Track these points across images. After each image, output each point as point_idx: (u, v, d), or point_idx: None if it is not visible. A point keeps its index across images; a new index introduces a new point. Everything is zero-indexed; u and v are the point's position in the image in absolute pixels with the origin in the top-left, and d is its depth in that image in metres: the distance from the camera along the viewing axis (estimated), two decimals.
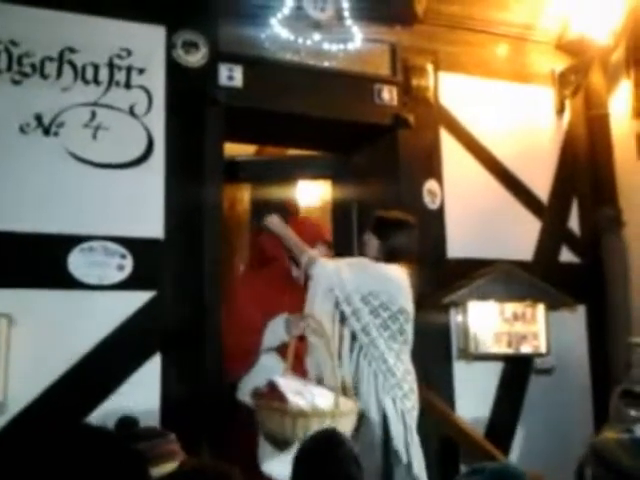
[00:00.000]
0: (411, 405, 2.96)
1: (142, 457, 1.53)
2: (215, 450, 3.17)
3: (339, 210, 4.68)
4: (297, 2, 3.86)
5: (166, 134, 3.70)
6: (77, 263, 3.42)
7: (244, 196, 4.72)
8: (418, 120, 4.26)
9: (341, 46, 3.98)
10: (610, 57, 4.66)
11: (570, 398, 4.38)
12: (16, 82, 3.48)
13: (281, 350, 2.95)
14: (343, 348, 2.94)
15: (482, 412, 4.18)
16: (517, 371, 4.33)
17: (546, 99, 4.74)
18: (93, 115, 3.57)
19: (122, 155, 3.61)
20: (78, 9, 3.61)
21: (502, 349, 4.22)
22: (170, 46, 3.78)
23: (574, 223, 4.69)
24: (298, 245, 3.05)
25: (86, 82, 3.60)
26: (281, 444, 2.52)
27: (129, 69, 3.69)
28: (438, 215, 4.28)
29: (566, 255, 4.63)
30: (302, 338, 2.92)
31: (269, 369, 2.91)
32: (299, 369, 2.88)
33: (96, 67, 3.62)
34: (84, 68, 3.60)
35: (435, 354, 4.05)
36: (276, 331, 2.92)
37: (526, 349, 4.26)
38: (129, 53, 3.70)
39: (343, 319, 2.97)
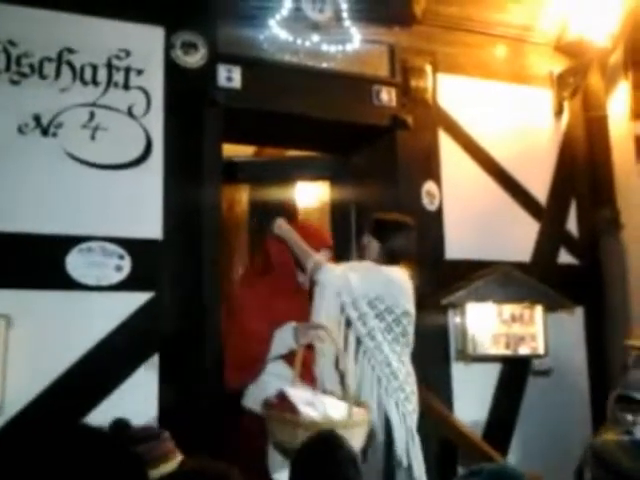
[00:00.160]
0: (412, 408, 2.96)
1: (141, 460, 1.52)
2: (213, 451, 3.16)
3: (337, 211, 4.68)
4: (296, 3, 3.87)
5: (165, 135, 3.70)
6: (75, 264, 3.42)
7: (242, 197, 4.72)
8: (417, 121, 4.26)
9: (340, 47, 3.98)
10: (608, 59, 4.66)
11: (568, 399, 4.39)
12: (14, 82, 3.48)
13: (288, 358, 2.93)
14: (348, 353, 2.94)
15: (480, 413, 4.18)
16: (515, 372, 4.33)
17: (544, 101, 4.74)
18: (92, 116, 3.57)
19: (120, 156, 3.60)
20: (77, 10, 3.61)
21: (500, 350, 4.22)
22: (169, 47, 3.78)
23: (572, 225, 4.69)
24: (304, 250, 3.03)
25: (85, 83, 3.60)
26: (291, 454, 2.49)
27: (128, 70, 3.68)
28: (436, 216, 4.28)
29: (564, 257, 4.63)
30: (310, 346, 2.91)
31: (276, 377, 2.89)
32: (307, 377, 2.87)
33: (95, 68, 3.62)
34: (83, 69, 3.60)
35: (433, 355, 4.05)
36: (284, 339, 2.90)
37: (524, 351, 4.26)
38: (128, 54, 3.69)
39: (348, 324, 2.96)
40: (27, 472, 1.35)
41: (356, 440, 2.47)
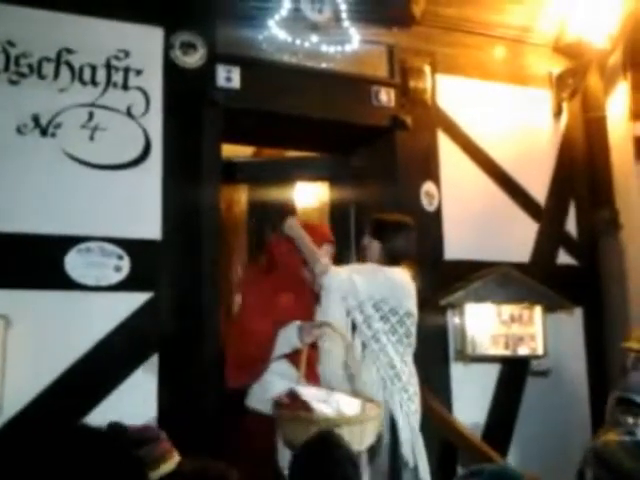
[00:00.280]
0: (415, 408, 2.96)
1: (142, 462, 1.52)
2: (214, 451, 3.16)
3: (337, 211, 4.67)
4: (295, 4, 3.87)
5: (163, 135, 3.70)
6: (74, 264, 3.41)
7: (241, 197, 4.72)
8: (416, 122, 4.26)
9: (339, 48, 3.98)
10: (607, 60, 4.67)
11: (567, 400, 4.39)
12: (13, 82, 3.48)
13: (292, 357, 2.92)
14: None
15: (479, 414, 4.18)
16: (514, 373, 4.33)
17: (543, 101, 4.75)
18: (90, 116, 3.57)
19: (119, 156, 3.60)
20: (76, 10, 3.61)
21: (499, 351, 4.22)
22: (168, 47, 3.78)
23: (571, 225, 4.70)
24: (313, 252, 3.02)
25: (83, 83, 3.60)
26: None
27: (127, 70, 3.68)
28: (435, 217, 4.28)
29: (563, 257, 4.63)
30: (314, 345, 2.90)
31: (280, 376, 2.88)
32: (311, 376, 2.86)
33: (93, 68, 3.62)
34: (81, 69, 3.60)
35: (432, 356, 4.04)
36: (289, 338, 2.89)
37: (523, 351, 4.26)
38: (127, 54, 3.69)
39: (353, 328, 2.97)
40: (27, 472, 1.35)
41: (369, 436, 2.48)
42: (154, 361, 3.49)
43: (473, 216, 4.37)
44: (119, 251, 3.50)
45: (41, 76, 3.53)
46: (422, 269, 3.50)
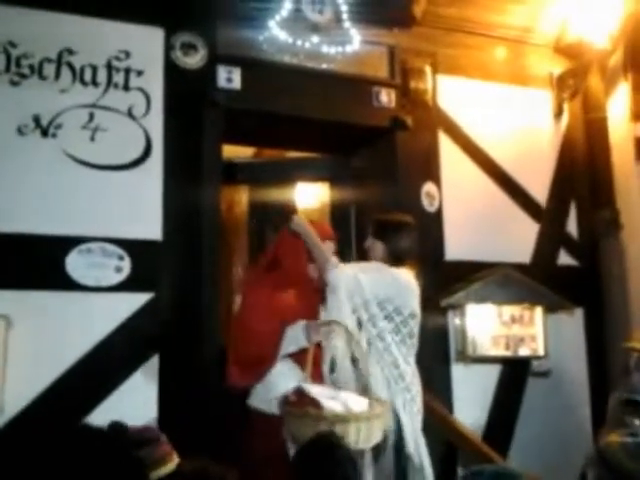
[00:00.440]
0: (417, 408, 2.97)
1: (142, 463, 1.52)
2: (214, 451, 3.15)
3: (337, 212, 4.68)
4: (295, 4, 3.87)
5: (164, 136, 3.70)
6: (75, 264, 3.42)
7: (242, 198, 4.72)
8: (416, 122, 4.26)
9: (339, 48, 3.99)
10: (608, 60, 4.67)
11: (568, 401, 4.39)
12: (14, 83, 3.48)
13: (296, 356, 2.92)
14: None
15: (480, 414, 4.18)
16: (515, 374, 4.33)
17: (544, 102, 4.75)
18: (91, 117, 3.58)
19: (120, 157, 3.61)
20: (77, 11, 3.62)
21: (500, 352, 4.22)
22: (168, 48, 3.78)
23: (572, 226, 4.70)
24: (320, 249, 3.02)
25: (84, 84, 3.60)
26: None
27: (127, 71, 3.69)
28: (436, 218, 4.28)
29: (564, 258, 4.63)
30: (318, 344, 2.90)
31: (284, 376, 2.88)
32: (316, 375, 2.86)
33: (94, 69, 3.62)
34: (82, 70, 3.60)
35: (433, 356, 4.04)
36: (296, 337, 2.89)
37: (524, 352, 4.26)
38: (127, 55, 3.70)
39: (359, 326, 2.96)
40: (28, 472, 1.35)
41: (375, 434, 2.49)
42: (154, 361, 3.49)
43: (474, 217, 4.37)
44: (120, 252, 3.50)
45: (42, 77, 3.53)
46: (423, 270, 3.50)
